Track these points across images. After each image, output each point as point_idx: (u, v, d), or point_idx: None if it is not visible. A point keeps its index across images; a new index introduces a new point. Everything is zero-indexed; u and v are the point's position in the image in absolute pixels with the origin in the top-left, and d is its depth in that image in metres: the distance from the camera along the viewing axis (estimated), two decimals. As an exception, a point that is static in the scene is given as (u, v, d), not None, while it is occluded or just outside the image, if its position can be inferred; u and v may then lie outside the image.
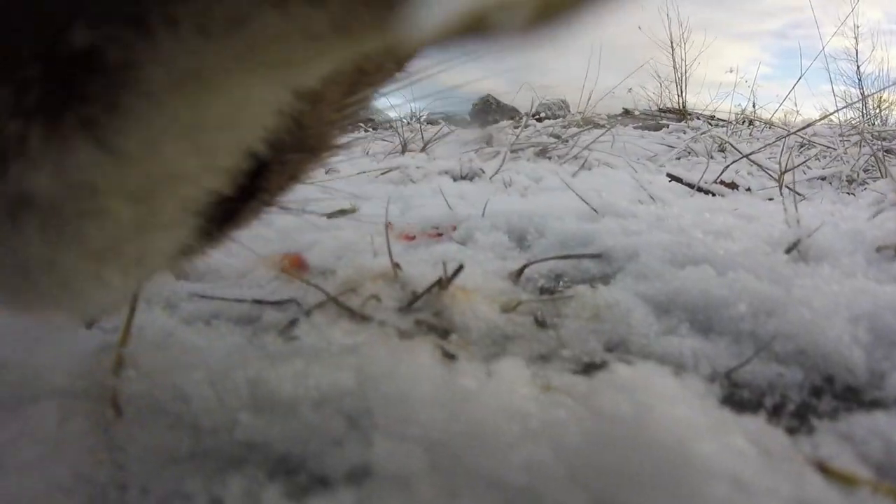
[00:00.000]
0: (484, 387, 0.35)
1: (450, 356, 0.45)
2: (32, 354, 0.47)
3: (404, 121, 2.54)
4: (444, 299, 0.56)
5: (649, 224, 1.09)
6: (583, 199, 1.23)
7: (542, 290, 0.77)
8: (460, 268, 0.57)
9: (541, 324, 0.59)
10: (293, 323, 0.53)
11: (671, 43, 8.53)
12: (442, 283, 0.57)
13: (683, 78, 8.40)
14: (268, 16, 0.23)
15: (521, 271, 0.77)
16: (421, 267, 0.76)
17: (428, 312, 0.56)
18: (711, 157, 3.20)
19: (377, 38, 0.26)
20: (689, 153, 3.25)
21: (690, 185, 1.78)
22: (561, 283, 0.82)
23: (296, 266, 0.77)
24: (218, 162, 0.29)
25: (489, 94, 5.42)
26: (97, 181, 0.25)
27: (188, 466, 0.36)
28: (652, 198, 1.48)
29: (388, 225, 1.10)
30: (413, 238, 1.02)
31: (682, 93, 8.37)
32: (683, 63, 8.47)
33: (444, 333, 0.53)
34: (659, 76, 7.61)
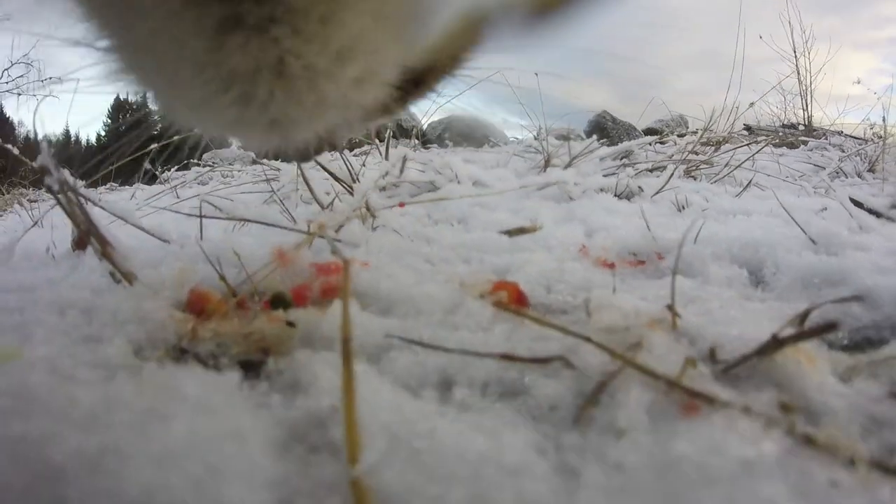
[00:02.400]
0: None
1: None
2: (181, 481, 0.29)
3: (537, 138, 2.41)
4: (786, 367, 0.41)
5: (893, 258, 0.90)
6: (800, 227, 1.04)
7: (835, 345, 0.60)
8: (831, 325, 0.41)
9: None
10: (594, 402, 0.38)
11: (794, 52, 7.87)
12: (783, 342, 0.42)
13: (809, 90, 7.74)
14: None
15: (803, 319, 0.61)
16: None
17: (765, 381, 0.41)
18: (861, 178, 2.89)
19: None
20: (839, 173, 2.95)
21: (876, 213, 1.54)
22: (840, 332, 0.65)
23: (515, 300, 0.63)
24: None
25: (604, 111, 5.20)
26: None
27: None
28: (861, 227, 1.25)
29: (583, 248, 0.96)
30: (612, 265, 0.88)
31: (807, 107, 7.73)
32: (808, 74, 7.79)
33: (811, 418, 0.38)
34: (783, 89, 7.02)
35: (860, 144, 3.87)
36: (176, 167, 3.16)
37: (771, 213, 1.38)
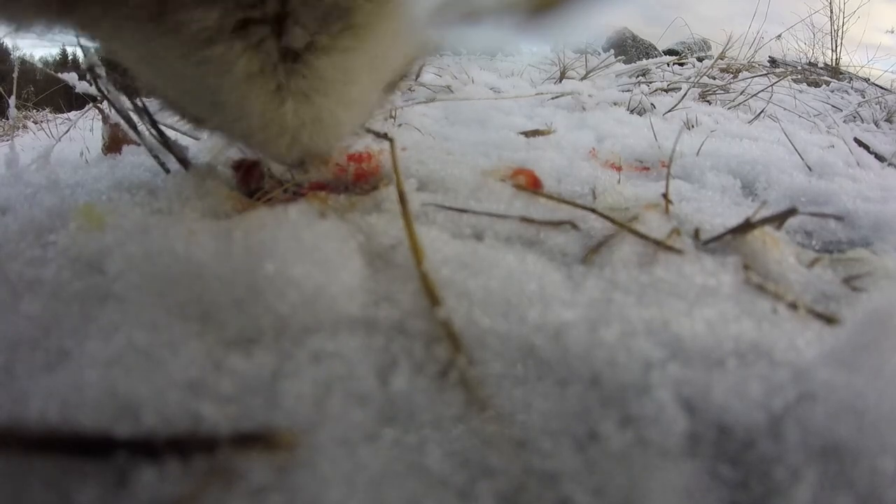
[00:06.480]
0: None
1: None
2: (302, 269, 0.36)
3: (553, 50, 2.40)
4: (754, 244, 0.49)
5: (882, 192, 0.97)
6: (799, 154, 1.10)
7: (807, 247, 0.68)
8: (792, 211, 0.49)
9: (853, 287, 0.51)
10: (597, 251, 0.47)
11: (829, -13, 7.46)
12: (752, 224, 0.50)
13: (840, 31, 7.43)
14: None
15: (783, 221, 0.69)
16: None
17: (736, 255, 0.49)
18: (877, 126, 2.87)
19: None
20: (855, 118, 2.93)
21: (881, 158, 1.58)
22: (814, 240, 0.73)
23: (532, 183, 0.71)
24: None
25: (625, 28, 5.03)
26: None
27: (642, 455, 0.28)
28: (858, 164, 1.31)
29: (592, 151, 1.02)
30: (620, 169, 0.94)
31: (836, 48, 7.43)
32: (841, 14, 7.46)
33: (766, 279, 0.46)
34: (813, 25, 6.74)
35: (883, 93, 3.80)
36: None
37: (777, 142, 1.43)
